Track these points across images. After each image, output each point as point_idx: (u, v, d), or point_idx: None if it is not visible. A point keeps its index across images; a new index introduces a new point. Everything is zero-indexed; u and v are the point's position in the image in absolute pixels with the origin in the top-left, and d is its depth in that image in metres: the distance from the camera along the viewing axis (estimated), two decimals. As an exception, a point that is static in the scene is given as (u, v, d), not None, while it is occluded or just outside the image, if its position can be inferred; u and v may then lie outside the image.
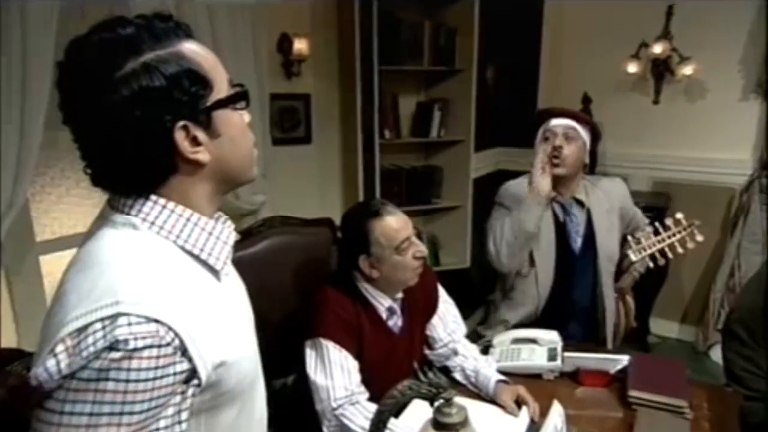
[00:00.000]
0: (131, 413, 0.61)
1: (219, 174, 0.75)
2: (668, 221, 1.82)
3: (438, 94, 3.15)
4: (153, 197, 0.72)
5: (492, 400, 1.38)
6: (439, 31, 2.97)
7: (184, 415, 0.67)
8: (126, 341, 0.60)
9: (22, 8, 1.50)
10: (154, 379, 0.62)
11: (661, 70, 3.08)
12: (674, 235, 1.77)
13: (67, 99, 0.67)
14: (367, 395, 1.29)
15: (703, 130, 3.07)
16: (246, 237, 1.82)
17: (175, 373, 0.64)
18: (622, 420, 1.33)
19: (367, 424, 1.11)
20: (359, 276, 1.38)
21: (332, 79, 2.95)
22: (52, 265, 2.02)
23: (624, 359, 1.44)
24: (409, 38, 2.92)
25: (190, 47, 0.71)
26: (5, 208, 1.58)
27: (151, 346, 0.61)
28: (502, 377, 1.41)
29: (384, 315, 1.40)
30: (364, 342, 1.32)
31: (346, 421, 1.23)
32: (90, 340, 0.60)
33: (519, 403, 1.33)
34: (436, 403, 0.84)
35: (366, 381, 1.33)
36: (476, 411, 1.26)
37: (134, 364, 0.60)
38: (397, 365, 1.36)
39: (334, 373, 1.25)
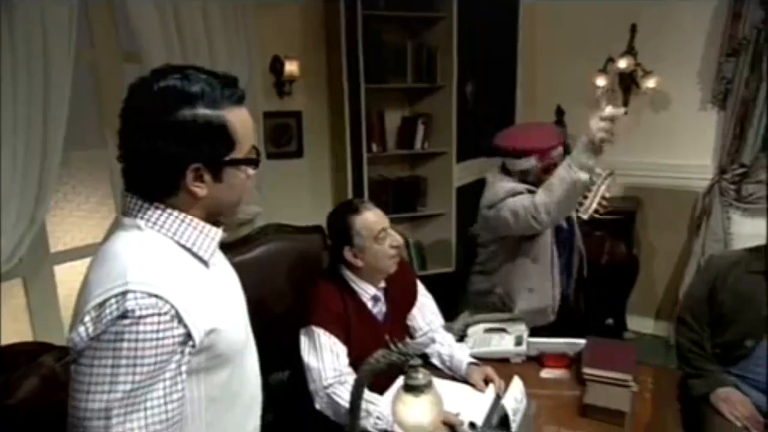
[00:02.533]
0: (142, 365, 0.81)
1: (210, 207, 0.96)
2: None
3: (421, 109, 3.37)
4: (157, 204, 0.92)
5: (465, 380, 1.57)
6: (420, 51, 3.20)
7: (184, 368, 0.87)
8: (133, 311, 0.80)
9: (44, 41, 1.69)
10: (157, 339, 0.82)
11: (627, 83, 3.32)
12: (601, 186, 2.00)
13: (128, 118, 0.88)
14: (354, 376, 1.48)
15: (667, 138, 3.30)
16: (245, 243, 2.02)
17: (173, 336, 0.84)
18: (578, 396, 1.52)
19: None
20: (345, 267, 1.57)
21: (322, 97, 3.16)
22: (65, 274, 2.20)
23: (581, 343, 1.64)
24: (393, 58, 3.15)
25: (236, 113, 0.91)
26: (28, 224, 1.76)
27: (152, 314, 0.82)
28: (473, 360, 1.60)
29: (369, 303, 1.59)
30: (351, 329, 1.51)
31: (336, 398, 1.42)
32: (107, 311, 0.81)
33: (487, 381, 1.52)
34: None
35: (354, 365, 1.52)
36: (450, 389, 1.47)
37: (141, 328, 0.81)
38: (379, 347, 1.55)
39: (325, 356, 1.44)
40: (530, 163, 2.05)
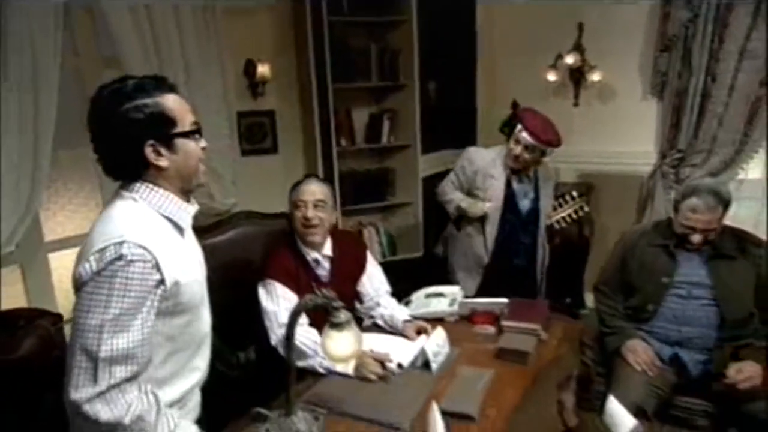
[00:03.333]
0: (129, 297, 1.09)
1: (175, 175, 1.22)
2: (567, 196, 2.43)
3: (388, 106, 3.64)
4: (144, 182, 1.19)
5: (402, 335, 1.83)
6: (384, 52, 3.46)
7: (155, 306, 1.15)
8: (126, 255, 1.09)
9: (32, 52, 1.94)
10: (142, 279, 1.10)
11: (577, 77, 3.59)
12: (570, 207, 2.34)
13: (91, 120, 1.16)
14: (306, 320, 1.73)
15: (614, 127, 3.57)
16: (217, 227, 2.27)
17: (153, 279, 1.12)
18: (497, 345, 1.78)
19: (304, 339, 1.58)
20: (296, 234, 1.84)
21: (293, 97, 3.42)
22: (59, 261, 2.46)
23: (504, 302, 1.90)
24: (358, 59, 3.41)
25: (169, 97, 1.18)
26: (24, 212, 2.02)
27: (140, 260, 1.10)
28: (408, 317, 1.87)
29: (312, 264, 1.87)
30: (300, 283, 1.79)
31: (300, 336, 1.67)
32: (107, 254, 1.09)
33: (420, 334, 1.79)
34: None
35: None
36: (387, 340, 1.73)
37: (130, 269, 1.09)
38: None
39: (280, 302, 1.71)
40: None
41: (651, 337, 2.02)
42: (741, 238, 2.06)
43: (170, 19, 2.48)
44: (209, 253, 1.48)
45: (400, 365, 1.59)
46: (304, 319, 1.72)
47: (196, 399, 1.39)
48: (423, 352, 1.57)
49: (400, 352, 1.64)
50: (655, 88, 3.33)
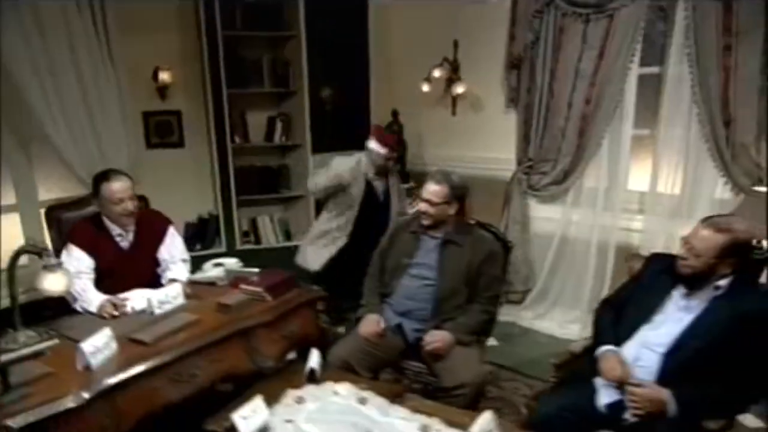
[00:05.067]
0: None
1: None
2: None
3: (283, 110, 4.14)
4: None
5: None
6: (276, 63, 3.96)
7: None
8: None
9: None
10: None
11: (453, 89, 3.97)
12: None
13: None
14: (91, 276, 2.26)
15: (483, 135, 3.93)
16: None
17: None
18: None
19: (77, 288, 2.12)
20: (102, 213, 2.36)
21: (199, 99, 3.96)
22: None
23: (256, 271, 2.37)
24: (252, 68, 3.93)
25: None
26: None
27: None
28: (175, 278, 2.36)
29: (116, 238, 2.38)
30: (99, 249, 2.30)
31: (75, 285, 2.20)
32: None
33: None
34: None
35: (105, 271, 2.30)
36: (148, 293, 2.22)
37: None
38: (128, 270, 2.34)
39: (72, 261, 2.22)
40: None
41: (391, 309, 2.42)
42: (471, 229, 2.43)
43: (65, 48, 3.07)
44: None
45: (133, 309, 2.11)
46: (84, 268, 2.25)
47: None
48: (149, 302, 2.07)
49: (139, 300, 2.14)
50: (512, 101, 3.68)
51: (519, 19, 3.48)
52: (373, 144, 3.19)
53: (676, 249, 2.92)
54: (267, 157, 4.23)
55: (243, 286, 2.27)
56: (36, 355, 1.60)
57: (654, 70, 3.22)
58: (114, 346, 1.77)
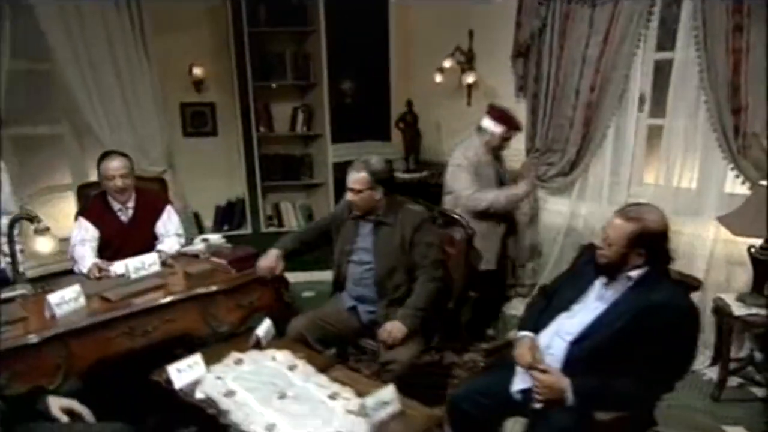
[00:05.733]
0: None
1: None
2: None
3: (306, 101, 4.37)
4: None
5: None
6: (297, 57, 4.20)
7: None
8: None
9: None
10: None
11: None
12: None
13: None
14: (93, 244, 2.62)
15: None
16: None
17: None
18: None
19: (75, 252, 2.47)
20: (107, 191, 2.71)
21: (229, 91, 4.29)
22: None
23: (230, 246, 2.60)
24: (276, 63, 4.19)
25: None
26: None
27: None
28: (162, 249, 2.65)
29: (118, 212, 2.72)
30: (104, 221, 2.66)
31: (76, 253, 2.57)
32: None
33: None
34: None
35: (108, 241, 2.66)
36: (135, 260, 2.53)
37: None
38: (127, 241, 2.68)
39: (80, 230, 2.60)
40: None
41: (347, 294, 2.53)
42: (401, 207, 2.43)
43: (103, 42, 3.51)
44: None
45: (115, 273, 2.42)
46: (88, 236, 2.62)
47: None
48: (126, 267, 2.36)
49: (120, 266, 2.44)
50: (519, 90, 3.61)
51: (526, 5, 3.40)
52: (488, 122, 2.98)
53: (681, 250, 2.82)
54: (291, 146, 4.49)
55: (212, 259, 2.51)
56: (7, 301, 1.93)
57: (668, 55, 3.02)
58: (82, 300, 2.07)
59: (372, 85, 4.40)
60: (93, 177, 3.92)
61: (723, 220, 2.63)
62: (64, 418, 1.65)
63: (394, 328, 2.26)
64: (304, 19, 4.14)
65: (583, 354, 1.69)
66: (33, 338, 1.82)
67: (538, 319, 1.91)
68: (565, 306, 1.83)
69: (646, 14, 2.94)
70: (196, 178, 4.25)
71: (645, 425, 1.82)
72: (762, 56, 2.55)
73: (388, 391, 1.77)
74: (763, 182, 2.51)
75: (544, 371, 1.73)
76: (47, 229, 2.17)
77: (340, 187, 3.87)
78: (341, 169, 4.34)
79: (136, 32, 3.68)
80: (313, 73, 4.21)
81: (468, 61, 3.91)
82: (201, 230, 4.21)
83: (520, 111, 3.70)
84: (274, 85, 4.24)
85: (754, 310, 2.47)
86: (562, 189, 3.53)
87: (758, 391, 2.64)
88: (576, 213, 3.48)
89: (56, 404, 1.67)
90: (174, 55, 3.99)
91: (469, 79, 3.80)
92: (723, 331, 2.62)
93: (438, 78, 3.97)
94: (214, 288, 2.30)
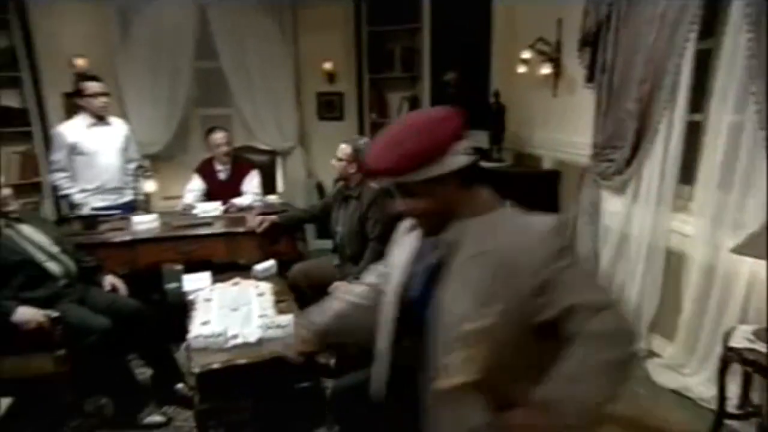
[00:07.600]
0: None
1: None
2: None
3: (413, 93, 4.85)
4: None
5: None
6: (405, 52, 4.69)
7: None
8: None
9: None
10: None
11: (556, 71, 3.87)
12: None
13: None
14: (197, 193, 3.70)
15: (572, 116, 3.72)
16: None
17: None
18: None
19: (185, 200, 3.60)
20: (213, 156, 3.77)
21: (352, 83, 5.05)
22: None
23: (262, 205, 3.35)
24: (387, 57, 4.77)
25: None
26: None
27: None
28: (234, 203, 3.55)
29: (219, 171, 3.75)
30: (209, 177, 3.71)
31: (186, 197, 3.69)
32: None
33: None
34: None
35: (210, 196, 3.72)
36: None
37: None
38: (223, 193, 3.70)
39: (193, 181, 3.71)
40: None
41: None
42: (365, 185, 2.79)
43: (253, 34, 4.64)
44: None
45: (195, 213, 3.42)
46: (195, 186, 3.71)
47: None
48: (198, 209, 3.33)
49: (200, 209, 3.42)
50: (588, 82, 3.42)
51: (594, -9, 3.22)
52: None
53: (721, 266, 2.47)
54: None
55: (253, 211, 3.31)
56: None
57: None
58: (156, 223, 3.10)
59: (473, 76, 4.60)
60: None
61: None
62: (108, 288, 2.65)
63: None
64: (410, 16, 4.60)
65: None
66: (117, 238, 2.90)
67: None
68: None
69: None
70: (325, 154, 5.15)
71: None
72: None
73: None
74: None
75: None
76: (152, 174, 3.26)
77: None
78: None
79: (287, 36, 4.72)
80: (418, 66, 4.65)
81: (555, 50, 3.82)
82: (322, 197, 5.11)
83: (588, 103, 3.52)
84: (385, 77, 4.85)
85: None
86: (620, 188, 3.26)
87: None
88: (628, 215, 3.19)
89: (109, 280, 2.69)
90: (311, 52, 4.94)
91: (545, 69, 3.73)
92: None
93: (521, 69, 3.97)
94: (240, 230, 3.09)
